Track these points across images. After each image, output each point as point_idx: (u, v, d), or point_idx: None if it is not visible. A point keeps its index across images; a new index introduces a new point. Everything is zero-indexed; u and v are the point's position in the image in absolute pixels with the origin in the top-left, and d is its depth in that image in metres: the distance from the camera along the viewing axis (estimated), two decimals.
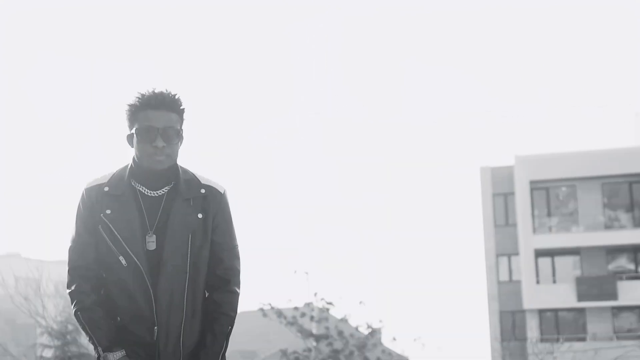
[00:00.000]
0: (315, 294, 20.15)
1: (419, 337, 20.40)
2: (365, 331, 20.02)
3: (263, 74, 58.84)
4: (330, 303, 20.17)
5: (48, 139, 60.86)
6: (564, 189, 32.82)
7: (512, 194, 33.21)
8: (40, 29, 57.97)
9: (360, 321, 20.51)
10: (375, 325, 20.59)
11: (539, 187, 32.85)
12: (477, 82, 58.76)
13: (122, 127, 3.09)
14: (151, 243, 2.99)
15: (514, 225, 33.19)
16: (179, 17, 58.14)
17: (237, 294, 3.10)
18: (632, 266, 32.48)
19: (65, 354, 15.95)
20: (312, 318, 19.91)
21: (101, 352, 2.95)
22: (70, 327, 16.48)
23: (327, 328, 19.84)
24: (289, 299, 20.10)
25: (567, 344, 29.66)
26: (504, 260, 33.74)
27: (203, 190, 3.09)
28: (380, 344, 20.03)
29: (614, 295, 31.14)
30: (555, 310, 32.25)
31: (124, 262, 2.97)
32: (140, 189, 3.05)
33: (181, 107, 3.05)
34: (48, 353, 16.14)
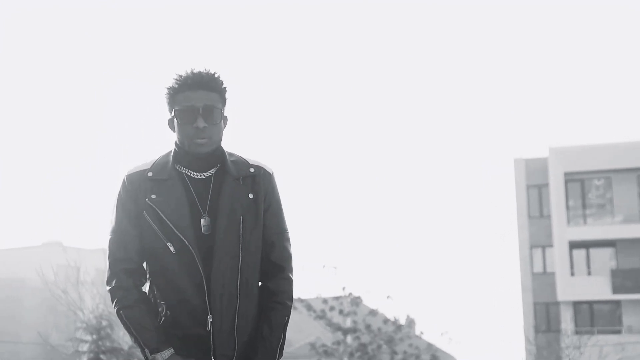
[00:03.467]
0: (344, 288, 20.55)
1: (446, 331, 20.70)
2: (393, 325, 20.35)
3: None
4: (358, 297, 20.55)
5: (84, 128, 61.98)
6: (598, 180, 32.67)
7: (546, 185, 33.16)
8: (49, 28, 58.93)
9: (388, 315, 20.87)
10: (402, 319, 20.94)
11: (573, 179, 32.74)
12: (511, 73, 58.42)
13: (164, 112, 2.94)
14: (207, 226, 2.81)
15: (548, 216, 33.16)
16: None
17: (292, 281, 2.95)
18: None
19: (99, 348, 16.53)
20: (340, 312, 20.30)
21: (148, 355, 2.77)
22: (104, 322, 17.07)
23: (355, 322, 20.22)
24: (318, 293, 20.54)
25: (601, 337, 29.64)
26: (538, 252, 33.73)
27: (252, 170, 2.93)
28: (408, 337, 20.34)
29: None
30: (590, 303, 32.19)
31: (172, 248, 2.79)
32: (186, 172, 2.89)
33: (223, 87, 2.89)
34: (83, 347, 16.74)
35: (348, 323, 20.60)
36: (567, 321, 31.38)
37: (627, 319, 31.79)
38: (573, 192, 32.78)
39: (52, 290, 19.57)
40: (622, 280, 31.42)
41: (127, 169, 2.94)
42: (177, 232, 2.79)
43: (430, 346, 21.90)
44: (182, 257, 2.78)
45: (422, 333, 21.66)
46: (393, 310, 24.81)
